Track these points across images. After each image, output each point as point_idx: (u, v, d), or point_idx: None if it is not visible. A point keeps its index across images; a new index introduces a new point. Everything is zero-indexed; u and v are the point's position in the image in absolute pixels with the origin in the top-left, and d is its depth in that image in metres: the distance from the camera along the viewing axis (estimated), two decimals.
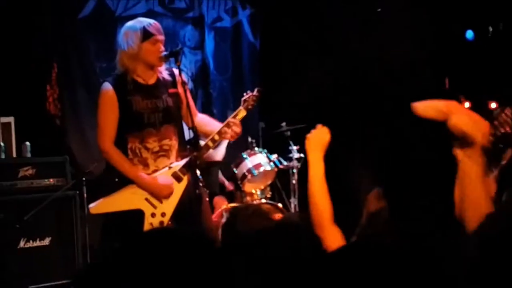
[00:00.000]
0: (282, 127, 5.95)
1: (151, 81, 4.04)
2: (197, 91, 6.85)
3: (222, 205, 5.51)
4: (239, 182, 5.57)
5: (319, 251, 1.72)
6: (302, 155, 5.66)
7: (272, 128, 6.19)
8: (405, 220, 2.28)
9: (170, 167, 4.01)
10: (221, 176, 6.15)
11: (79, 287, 1.41)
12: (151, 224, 3.94)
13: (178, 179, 4.01)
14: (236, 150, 5.77)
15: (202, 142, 4.05)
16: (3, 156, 5.27)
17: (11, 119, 5.51)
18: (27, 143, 5.37)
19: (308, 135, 2.92)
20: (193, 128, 3.88)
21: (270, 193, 5.70)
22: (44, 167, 5.04)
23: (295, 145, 5.81)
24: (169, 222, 3.96)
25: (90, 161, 5.38)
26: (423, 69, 6.06)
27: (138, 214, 3.94)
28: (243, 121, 4.17)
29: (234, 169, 5.60)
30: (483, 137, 2.41)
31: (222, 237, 2.82)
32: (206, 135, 4.11)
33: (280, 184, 6.00)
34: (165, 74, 4.09)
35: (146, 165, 3.99)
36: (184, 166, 4.01)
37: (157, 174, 4.01)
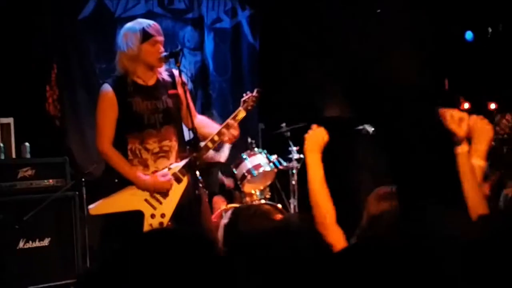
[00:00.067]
0: (282, 128, 5.95)
1: (151, 82, 4.04)
2: (196, 92, 6.85)
3: (221, 205, 5.51)
4: (238, 183, 5.57)
5: (320, 252, 1.72)
6: (301, 156, 5.66)
7: (271, 129, 6.19)
8: (417, 221, 2.27)
9: (169, 168, 4.01)
10: (220, 174, 6.16)
11: None
12: (151, 225, 3.94)
13: (178, 180, 4.01)
14: (236, 151, 5.78)
15: (202, 143, 4.05)
16: (2, 157, 5.27)
17: (10, 120, 5.51)
18: (27, 143, 5.37)
19: (306, 136, 2.91)
20: (193, 129, 3.88)
21: (269, 193, 5.70)
22: (43, 167, 5.04)
23: (294, 146, 5.81)
24: (169, 223, 3.96)
25: (90, 162, 5.39)
26: (422, 70, 6.06)
27: (137, 215, 3.93)
28: (243, 121, 4.17)
29: (234, 170, 5.60)
30: (488, 142, 2.47)
31: (224, 238, 2.82)
32: (204, 137, 4.10)
33: (280, 184, 6.00)
34: (164, 75, 4.09)
35: (146, 166, 3.98)
36: (183, 167, 4.01)
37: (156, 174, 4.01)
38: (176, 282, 1.38)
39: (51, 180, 5.03)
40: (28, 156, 5.31)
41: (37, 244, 4.85)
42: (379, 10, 6.45)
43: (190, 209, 3.88)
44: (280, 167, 5.67)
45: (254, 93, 4.21)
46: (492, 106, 6.83)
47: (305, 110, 6.26)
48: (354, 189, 5.94)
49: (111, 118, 3.94)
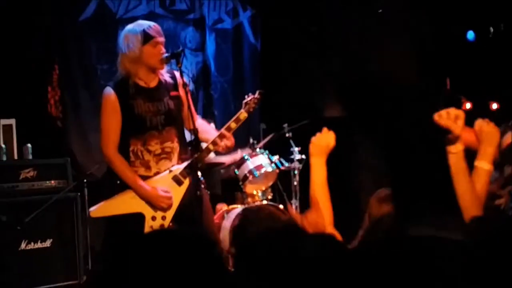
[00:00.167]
0: (283, 128, 5.94)
1: (153, 84, 4.05)
2: (198, 92, 6.85)
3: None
4: (240, 183, 5.56)
5: (321, 252, 1.72)
6: (303, 156, 5.66)
7: (273, 129, 6.18)
8: (414, 223, 2.28)
9: (171, 171, 4.02)
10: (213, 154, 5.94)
11: None
12: (152, 227, 3.94)
13: (179, 182, 4.01)
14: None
15: (203, 144, 4.05)
16: (4, 158, 5.27)
17: (12, 121, 5.51)
18: (28, 145, 5.38)
19: (313, 139, 2.90)
20: (194, 130, 3.88)
21: (271, 194, 5.69)
22: (45, 169, 5.04)
23: (296, 146, 5.80)
24: (170, 225, 3.97)
25: (92, 163, 5.38)
26: (423, 70, 6.06)
27: (138, 218, 3.94)
28: (245, 122, 4.18)
29: (236, 170, 5.59)
30: (495, 146, 2.48)
31: (232, 239, 2.81)
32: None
33: (282, 185, 5.99)
34: (166, 77, 4.09)
35: (148, 167, 3.99)
36: (185, 168, 4.01)
37: (158, 177, 4.01)
38: (177, 282, 1.39)
39: (53, 181, 5.03)
40: (30, 157, 5.31)
41: (39, 245, 4.86)
42: (380, 10, 6.45)
43: (192, 210, 3.89)
44: (282, 167, 5.66)
45: (256, 95, 4.21)
46: (494, 106, 6.82)
47: (306, 110, 6.26)
48: (355, 189, 5.94)
49: (115, 121, 3.95)
